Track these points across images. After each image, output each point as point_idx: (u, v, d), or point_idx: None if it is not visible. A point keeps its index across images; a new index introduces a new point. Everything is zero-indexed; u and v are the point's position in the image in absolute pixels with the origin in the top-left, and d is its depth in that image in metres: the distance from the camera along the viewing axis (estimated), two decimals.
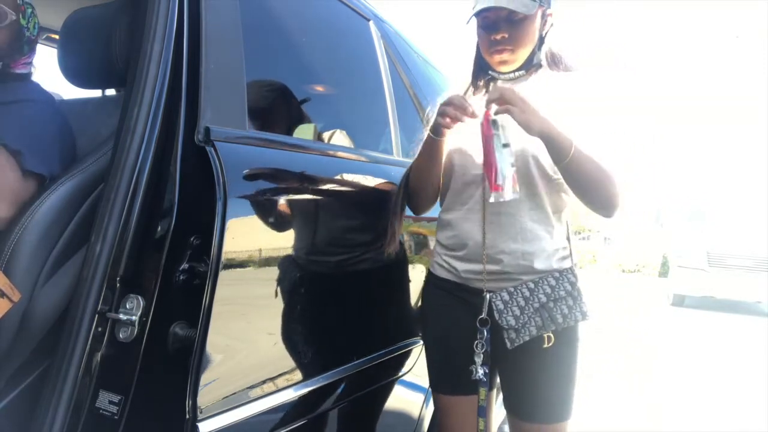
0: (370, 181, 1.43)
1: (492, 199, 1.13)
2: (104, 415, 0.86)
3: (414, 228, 1.65)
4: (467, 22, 1.29)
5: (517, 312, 1.22)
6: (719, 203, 9.24)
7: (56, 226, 0.99)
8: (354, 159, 1.46)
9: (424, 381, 1.70)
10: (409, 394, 1.63)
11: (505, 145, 1.13)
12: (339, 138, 1.54)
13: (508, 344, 1.21)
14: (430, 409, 1.74)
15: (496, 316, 1.22)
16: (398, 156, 1.66)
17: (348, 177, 1.36)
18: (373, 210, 1.43)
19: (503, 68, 1.29)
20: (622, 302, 8.12)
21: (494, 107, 1.13)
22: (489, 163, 1.13)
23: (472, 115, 1.18)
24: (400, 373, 1.54)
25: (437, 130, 1.24)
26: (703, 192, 10.93)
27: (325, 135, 1.51)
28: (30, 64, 1.24)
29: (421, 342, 1.62)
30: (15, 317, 0.94)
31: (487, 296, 1.25)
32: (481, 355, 1.24)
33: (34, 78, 1.29)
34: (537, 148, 1.20)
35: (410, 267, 1.61)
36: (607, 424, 3.18)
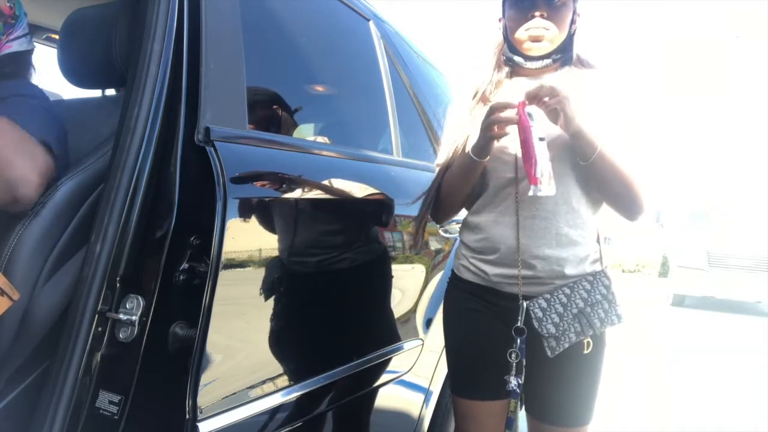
0: (370, 181, 1.43)
1: (531, 193, 1.09)
2: (104, 415, 0.86)
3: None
4: (506, 1, 1.27)
5: (557, 319, 1.19)
6: (720, 203, 9.24)
7: (56, 226, 0.99)
8: (354, 159, 1.46)
9: (424, 381, 1.70)
10: (410, 394, 1.63)
11: (541, 139, 1.10)
12: (338, 138, 1.54)
13: (549, 352, 1.19)
14: (430, 409, 1.75)
15: (536, 324, 1.19)
16: (398, 156, 1.66)
17: (348, 177, 1.36)
18: (372, 210, 1.43)
19: (535, 48, 1.25)
20: (622, 302, 8.11)
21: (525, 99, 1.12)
22: (529, 155, 1.09)
23: (515, 108, 1.13)
24: (401, 373, 1.54)
25: (483, 152, 1.19)
26: (703, 192, 10.93)
27: (325, 135, 1.51)
28: (16, 41, 1.16)
29: (422, 342, 1.63)
30: (15, 317, 0.94)
31: (524, 304, 1.22)
32: (515, 366, 1.21)
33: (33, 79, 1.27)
34: (574, 149, 1.19)
35: (412, 268, 1.61)
36: (608, 423, 3.17)
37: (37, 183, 0.96)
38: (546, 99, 1.11)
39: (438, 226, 1.73)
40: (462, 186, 1.30)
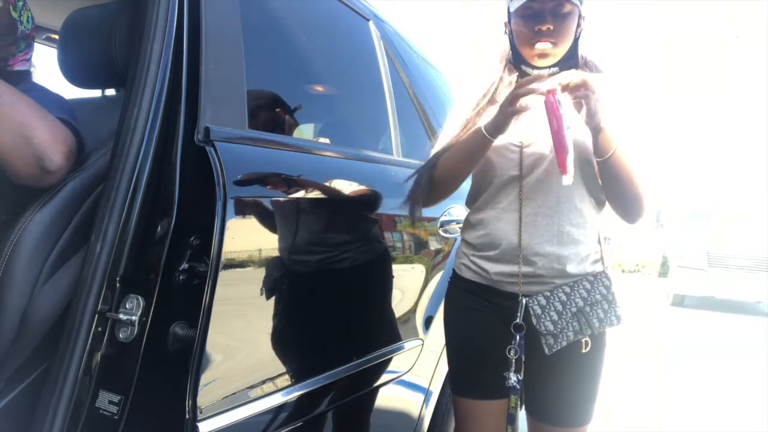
0: (370, 181, 1.43)
1: (564, 182, 1.09)
2: (104, 415, 0.86)
3: (416, 229, 1.65)
4: (512, 10, 1.25)
5: (555, 317, 1.20)
6: (720, 203, 9.24)
7: (56, 226, 0.99)
8: (354, 159, 1.46)
9: (424, 381, 1.70)
10: (409, 394, 1.63)
11: (568, 128, 1.09)
12: (338, 138, 1.54)
13: (546, 350, 1.19)
14: (430, 408, 1.75)
15: (534, 321, 1.20)
16: (398, 156, 1.66)
17: (348, 177, 1.36)
18: (373, 210, 1.43)
19: (541, 62, 1.25)
20: (622, 303, 8.11)
21: (560, 89, 1.10)
22: (562, 144, 1.08)
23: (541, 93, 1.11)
24: (401, 373, 1.54)
25: (497, 130, 1.17)
26: (703, 192, 10.94)
27: (325, 135, 1.51)
28: (28, 60, 1.22)
29: (422, 342, 1.63)
30: (15, 317, 0.94)
31: (524, 301, 1.22)
32: (514, 362, 1.22)
33: (35, 79, 1.29)
34: (585, 149, 1.19)
35: (412, 268, 1.61)
36: (608, 423, 3.17)
37: (61, 151, 0.96)
38: (577, 90, 1.10)
39: (436, 225, 1.73)
40: (463, 168, 1.27)
